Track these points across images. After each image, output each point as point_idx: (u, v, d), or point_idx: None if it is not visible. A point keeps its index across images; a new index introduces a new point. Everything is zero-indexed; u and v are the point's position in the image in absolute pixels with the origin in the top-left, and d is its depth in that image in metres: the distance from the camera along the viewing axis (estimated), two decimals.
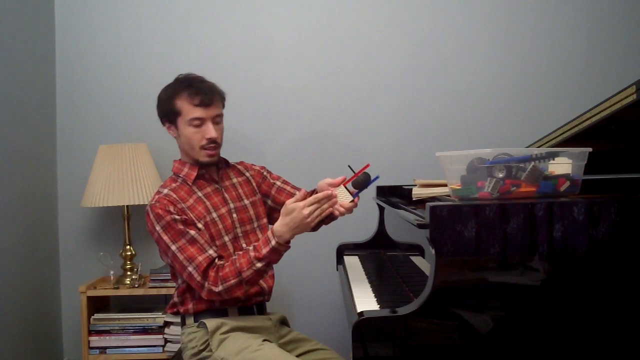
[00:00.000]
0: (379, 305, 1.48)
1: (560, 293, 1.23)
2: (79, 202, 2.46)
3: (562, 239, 1.23)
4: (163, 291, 2.39)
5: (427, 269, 1.31)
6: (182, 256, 1.64)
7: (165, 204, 1.69)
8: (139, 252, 2.54)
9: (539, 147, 1.75)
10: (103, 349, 2.40)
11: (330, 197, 1.57)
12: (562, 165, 1.36)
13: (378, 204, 2.26)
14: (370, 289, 1.68)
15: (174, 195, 1.72)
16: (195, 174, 1.78)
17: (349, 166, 1.64)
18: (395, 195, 2.20)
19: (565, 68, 2.56)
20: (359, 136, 2.61)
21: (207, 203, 1.77)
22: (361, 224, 2.37)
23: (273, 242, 1.59)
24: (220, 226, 1.75)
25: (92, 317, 2.40)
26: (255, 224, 1.85)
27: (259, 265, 1.60)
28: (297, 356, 1.71)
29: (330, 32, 2.61)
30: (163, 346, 2.40)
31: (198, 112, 1.73)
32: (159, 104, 1.79)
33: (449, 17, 2.59)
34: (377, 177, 1.58)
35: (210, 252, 1.65)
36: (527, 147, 1.91)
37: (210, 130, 1.74)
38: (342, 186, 1.60)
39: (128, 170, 2.36)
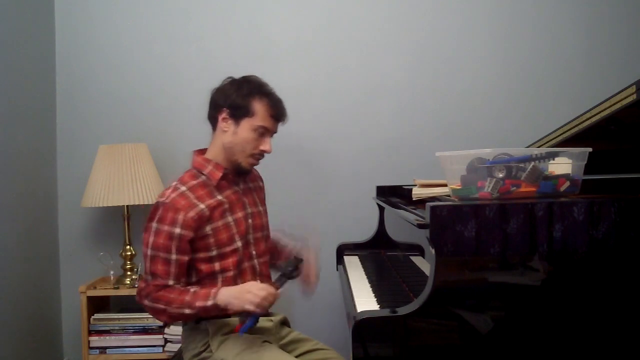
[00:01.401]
0: (379, 305, 1.48)
1: (561, 293, 1.23)
2: (79, 202, 2.46)
3: (562, 239, 1.23)
4: None
5: (427, 269, 1.31)
6: (149, 264, 1.64)
7: (178, 209, 1.62)
8: (139, 252, 2.54)
9: (539, 147, 1.75)
10: (103, 349, 2.40)
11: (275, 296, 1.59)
12: (562, 165, 1.36)
13: (378, 204, 2.26)
14: (370, 289, 1.68)
15: (192, 197, 1.65)
16: (220, 174, 1.72)
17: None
18: (395, 195, 2.20)
19: (565, 68, 2.56)
20: (359, 136, 2.61)
21: (226, 206, 1.71)
22: (361, 224, 2.37)
23: (210, 302, 1.57)
24: (234, 231, 1.71)
25: (92, 317, 2.40)
26: (265, 233, 1.84)
27: (187, 311, 1.59)
28: (297, 356, 1.71)
29: (330, 32, 2.61)
30: (163, 346, 2.40)
31: (269, 123, 1.72)
32: (228, 95, 1.71)
33: (449, 17, 2.59)
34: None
35: (170, 281, 1.63)
36: (527, 147, 1.91)
37: (267, 144, 1.73)
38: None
39: (128, 170, 2.36)
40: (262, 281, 1.77)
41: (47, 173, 2.59)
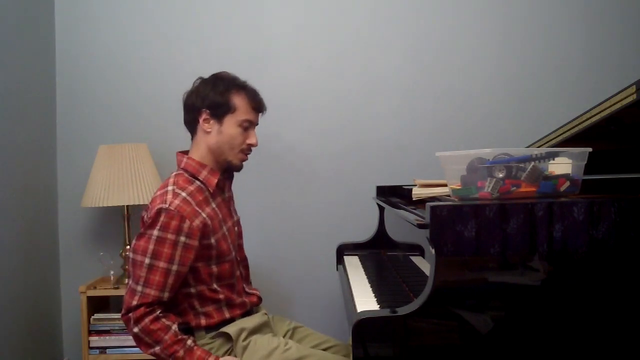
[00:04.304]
0: (379, 305, 1.48)
1: (561, 293, 1.23)
2: (79, 202, 2.46)
3: (562, 239, 1.23)
4: None
5: (427, 269, 1.31)
6: (145, 273, 1.53)
7: (184, 216, 1.54)
8: None
9: (539, 147, 1.75)
10: (103, 349, 2.40)
11: None
12: (562, 165, 1.36)
13: (378, 204, 2.26)
14: (370, 289, 1.68)
15: (193, 203, 1.59)
16: (216, 180, 1.67)
17: None
18: (395, 195, 2.20)
19: (565, 68, 2.56)
20: (359, 136, 2.61)
21: (220, 216, 1.68)
22: (361, 224, 2.37)
23: None
24: (229, 240, 1.68)
25: (92, 317, 2.40)
26: (242, 240, 1.85)
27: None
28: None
29: (331, 32, 2.61)
30: None
31: (253, 115, 1.70)
32: (205, 95, 1.65)
33: (450, 17, 2.59)
34: None
35: (165, 294, 1.54)
36: (527, 147, 1.91)
37: (253, 136, 1.71)
38: None
39: (128, 170, 2.36)
40: (245, 285, 1.78)
41: (47, 173, 2.59)
